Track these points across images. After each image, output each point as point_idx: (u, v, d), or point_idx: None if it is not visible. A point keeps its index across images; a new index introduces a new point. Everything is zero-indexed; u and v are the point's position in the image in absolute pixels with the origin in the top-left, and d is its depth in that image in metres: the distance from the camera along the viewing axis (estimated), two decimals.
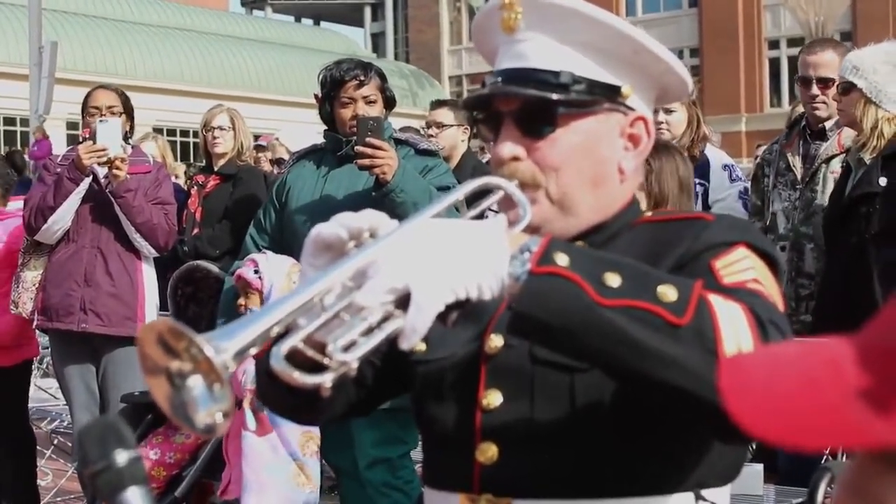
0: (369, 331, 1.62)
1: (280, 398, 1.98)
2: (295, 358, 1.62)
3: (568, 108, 1.94)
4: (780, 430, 0.90)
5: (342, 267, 1.64)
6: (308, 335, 1.65)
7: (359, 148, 4.53)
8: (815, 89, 5.52)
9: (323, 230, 1.73)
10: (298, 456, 4.71)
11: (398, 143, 4.87)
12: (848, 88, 5.02)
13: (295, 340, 1.63)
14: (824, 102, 5.50)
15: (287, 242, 4.79)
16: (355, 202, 4.37)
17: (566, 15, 1.92)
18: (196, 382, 1.51)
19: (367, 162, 4.51)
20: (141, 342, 1.53)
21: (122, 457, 1.31)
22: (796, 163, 5.58)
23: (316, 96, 5.00)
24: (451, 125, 7.21)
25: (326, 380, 1.59)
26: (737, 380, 0.96)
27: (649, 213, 2.10)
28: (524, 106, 1.95)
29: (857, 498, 0.93)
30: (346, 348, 1.60)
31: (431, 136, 7.03)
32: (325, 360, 1.61)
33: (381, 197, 4.41)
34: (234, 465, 4.75)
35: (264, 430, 4.65)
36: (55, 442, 7.91)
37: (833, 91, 5.43)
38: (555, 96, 1.92)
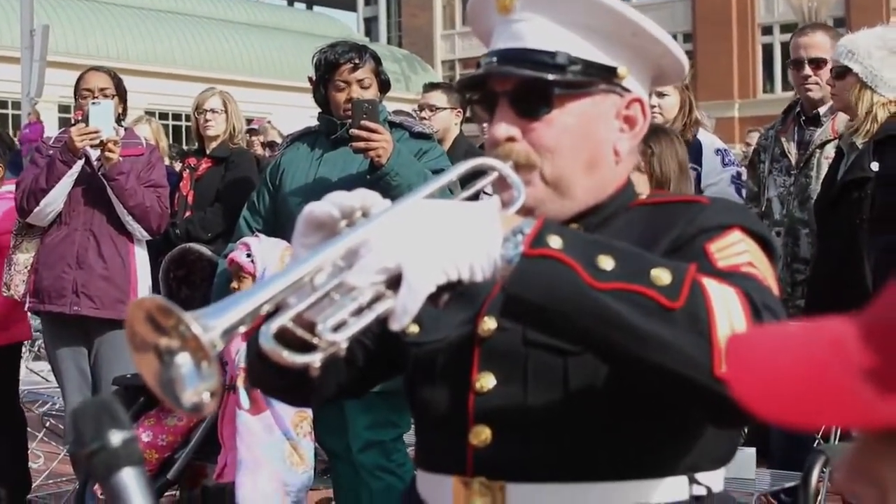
0: (359, 311, 1.61)
1: (270, 378, 1.97)
2: (284, 337, 1.61)
3: (564, 89, 1.93)
4: (782, 409, 0.90)
5: (333, 246, 1.63)
6: (298, 314, 1.64)
7: (354, 131, 4.51)
8: (807, 70, 5.52)
9: (315, 209, 1.72)
10: (292, 435, 4.71)
11: (393, 126, 4.86)
12: (842, 73, 5.01)
13: (284, 319, 1.63)
14: (817, 83, 5.51)
15: (281, 225, 4.78)
16: (349, 185, 4.34)
17: None
18: (184, 360, 1.50)
19: (362, 145, 4.50)
20: (129, 319, 1.52)
21: (116, 437, 1.30)
22: (791, 149, 5.58)
23: (310, 79, 4.98)
24: (444, 108, 7.20)
25: (315, 359, 1.58)
26: (740, 358, 0.95)
27: (644, 196, 2.09)
28: (519, 86, 1.94)
29: (859, 479, 0.93)
30: (336, 328, 1.59)
31: (424, 118, 7.02)
32: (315, 340, 1.60)
33: (376, 180, 4.40)
34: (230, 449, 4.75)
35: (258, 408, 4.64)
36: (47, 424, 7.89)
37: (826, 72, 5.43)
38: (550, 77, 1.91)
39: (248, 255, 4.73)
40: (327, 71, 4.84)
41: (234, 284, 4.74)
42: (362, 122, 4.49)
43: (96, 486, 4.75)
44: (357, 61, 4.80)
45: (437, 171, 4.56)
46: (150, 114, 13.17)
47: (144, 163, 5.93)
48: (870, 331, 0.90)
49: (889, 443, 0.90)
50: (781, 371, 0.91)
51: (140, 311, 1.51)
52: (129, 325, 1.52)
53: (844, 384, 0.88)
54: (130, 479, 1.30)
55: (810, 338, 0.93)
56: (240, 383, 4.63)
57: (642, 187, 3.75)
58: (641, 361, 1.62)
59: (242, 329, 1.56)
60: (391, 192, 4.25)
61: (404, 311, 1.59)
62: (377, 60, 4.92)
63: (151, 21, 40.71)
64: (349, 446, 4.78)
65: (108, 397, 1.36)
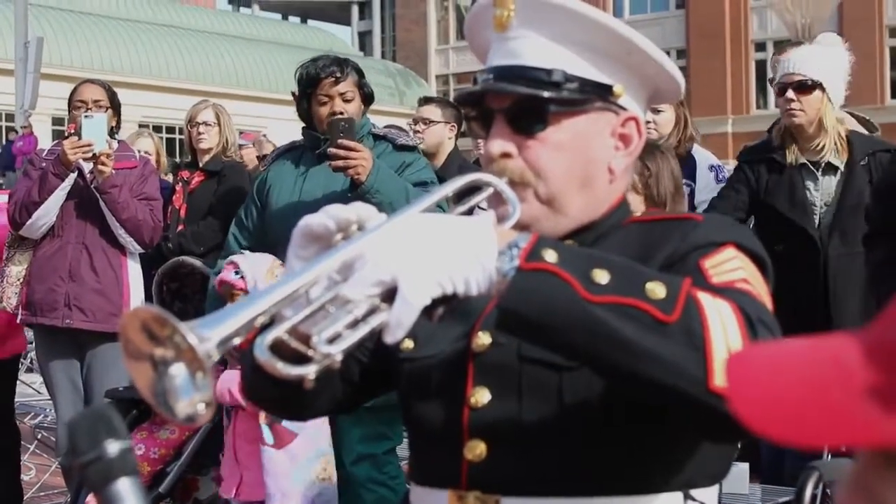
0: (355, 323, 1.61)
1: (265, 390, 1.97)
2: (279, 349, 1.61)
3: (559, 107, 1.93)
4: (783, 427, 0.89)
5: (329, 259, 1.64)
6: (293, 327, 1.64)
7: (331, 150, 4.49)
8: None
9: (311, 221, 1.72)
10: (326, 450, 4.67)
11: (376, 138, 4.85)
12: (808, 87, 4.99)
13: (279, 331, 1.63)
14: None
15: (269, 240, 4.77)
16: (333, 202, 4.34)
17: (559, 13, 1.92)
18: (179, 371, 1.50)
19: (340, 163, 4.47)
20: (124, 328, 1.52)
21: (113, 447, 1.29)
22: None
23: (293, 94, 4.97)
24: (439, 122, 7.19)
25: (310, 371, 1.59)
26: (741, 376, 0.95)
27: (638, 214, 2.09)
28: (515, 103, 1.94)
29: (862, 497, 0.92)
30: (331, 340, 1.60)
31: (418, 132, 7.02)
32: (310, 352, 1.61)
33: (357, 198, 4.38)
34: (247, 469, 4.70)
35: (282, 441, 4.59)
36: (39, 437, 7.87)
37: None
38: (546, 94, 1.92)
39: (237, 273, 4.71)
40: (309, 85, 4.82)
41: (229, 304, 4.71)
42: (339, 140, 4.47)
43: (88, 498, 4.73)
44: (339, 75, 4.77)
45: (421, 184, 4.55)
46: (143, 127, 13.16)
47: (137, 175, 5.92)
48: (873, 348, 0.90)
49: (890, 461, 0.90)
50: (783, 389, 0.91)
51: (135, 320, 1.51)
52: (124, 333, 1.52)
53: (847, 402, 0.87)
54: (126, 489, 1.29)
55: (812, 355, 0.93)
56: (262, 420, 4.57)
57: (638, 208, 3.73)
58: (636, 375, 1.62)
59: (238, 340, 1.56)
60: None
61: (399, 323, 1.59)
62: (360, 73, 4.89)
63: (146, 34, 40.72)
64: (341, 459, 4.77)
65: (104, 407, 1.35)
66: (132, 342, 1.52)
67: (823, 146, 5.01)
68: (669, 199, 3.81)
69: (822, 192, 5.04)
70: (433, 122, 7.17)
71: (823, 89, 4.99)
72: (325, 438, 4.65)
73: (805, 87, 4.98)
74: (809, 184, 5.07)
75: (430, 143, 7.09)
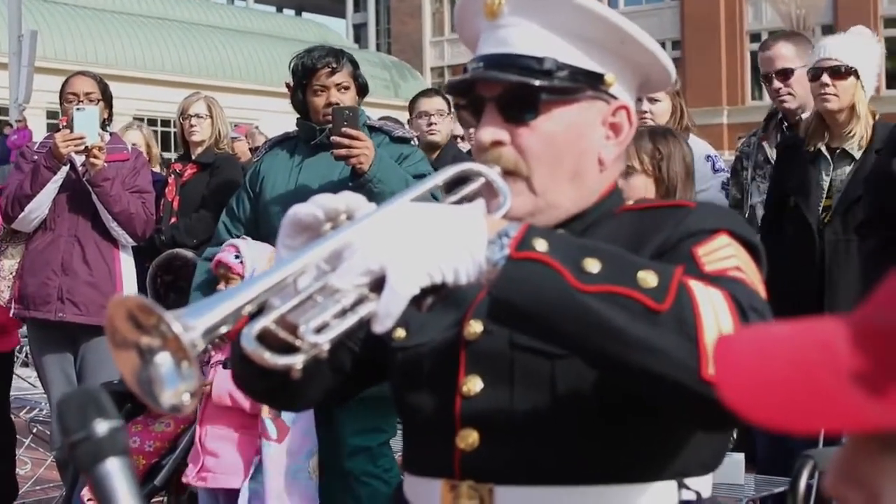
0: (343, 313, 1.60)
1: (253, 380, 1.97)
2: (267, 339, 1.61)
3: (551, 95, 1.92)
4: (770, 413, 0.88)
5: (317, 248, 1.63)
6: (280, 316, 1.64)
7: (335, 138, 4.50)
8: (776, 83, 5.52)
9: (300, 210, 1.72)
10: (316, 447, 4.65)
11: (373, 130, 4.85)
12: (843, 73, 4.97)
13: (267, 321, 1.62)
14: (790, 94, 5.50)
15: (263, 232, 4.76)
16: (331, 191, 4.33)
17: (551, 1, 1.91)
18: (163, 359, 1.50)
19: (343, 152, 4.48)
20: (110, 316, 1.51)
21: (102, 427, 1.28)
22: (774, 154, 5.57)
23: (288, 85, 4.97)
24: (449, 113, 7.21)
25: (297, 361, 1.58)
26: (728, 361, 0.94)
27: (631, 202, 2.09)
28: (506, 92, 1.93)
29: (848, 482, 0.92)
30: (319, 330, 1.59)
31: (434, 124, 7.02)
32: (297, 342, 1.60)
33: (359, 187, 4.38)
34: (212, 455, 4.68)
35: (284, 434, 4.56)
36: (34, 431, 7.86)
37: (796, 80, 5.42)
38: (537, 82, 1.91)
39: (237, 257, 4.68)
40: (305, 76, 4.83)
41: (222, 286, 4.69)
42: (343, 128, 4.48)
43: (83, 492, 4.72)
44: (334, 65, 4.79)
45: (419, 176, 4.55)
46: (138, 120, 13.12)
47: (129, 168, 5.91)
48: (859, 332, 0.89)
49: (879, 446, 0.89)
50: (770, 374, 0.90)
51: (121, 308, 1.51)
52: (110, 322, 1.51)
53: (833, 387, 0.87)
54: (115, 470, 1.28)
55: (799, 339, 0.92)
56: (264, 414, 4.55)
57: (649, 191, 3.70)
58: (627, 364, 1.61)
59: (224, 329, 1.55)
60: (374, 198, 4.21)
61: (387, 313, 1.58)
62: (354, 64, 4.92)
63: (140, 27, 40.63)
64: (334, 452, 4.76)
65: (94, 387, 1.34)
66: (118, 330, 1.51)
67: (855, 133, 4.99)
68: (680, 183, 3.76)
69: (835, 178, 5.02)
70: (447, 113, 7.19)
71: (858, 76, 4.97)
72: (314, 435, 4.64)
73: (839, 73, 4.96)
74: (822, 169, 5.05)
75: (444, 134, 7.10)
